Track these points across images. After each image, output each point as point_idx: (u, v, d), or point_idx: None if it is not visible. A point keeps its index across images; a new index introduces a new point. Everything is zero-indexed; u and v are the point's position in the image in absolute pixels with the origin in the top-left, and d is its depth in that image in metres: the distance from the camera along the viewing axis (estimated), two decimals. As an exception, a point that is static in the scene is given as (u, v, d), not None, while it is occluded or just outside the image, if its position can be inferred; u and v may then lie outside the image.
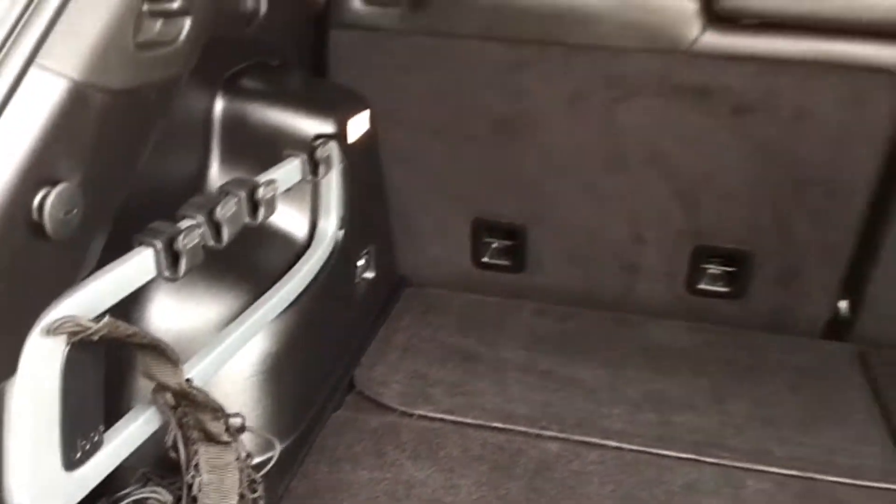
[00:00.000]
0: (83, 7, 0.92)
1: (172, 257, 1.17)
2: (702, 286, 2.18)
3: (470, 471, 1.61)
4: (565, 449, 1.68)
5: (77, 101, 0.92)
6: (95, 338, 1.00)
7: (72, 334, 0.97)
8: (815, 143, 1.93)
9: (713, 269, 2.18)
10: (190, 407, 1.19)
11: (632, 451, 1.68)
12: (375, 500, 1.54)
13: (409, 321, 2.12)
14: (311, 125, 1.73)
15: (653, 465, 1.65)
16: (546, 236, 2.20)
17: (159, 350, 1.10)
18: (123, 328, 1.03)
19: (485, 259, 2.28)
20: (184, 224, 1.22)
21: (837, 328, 2.17)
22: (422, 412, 1.78)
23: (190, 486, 1.22)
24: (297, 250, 1.73)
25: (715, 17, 1.86)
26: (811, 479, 1.64)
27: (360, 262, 2.00)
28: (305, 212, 1.76)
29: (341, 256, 1.82)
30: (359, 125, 1.88)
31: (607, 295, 2.23)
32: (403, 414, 1.78)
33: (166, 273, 1.16)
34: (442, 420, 1.76)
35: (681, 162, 2.03)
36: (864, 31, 1.82)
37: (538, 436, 1.72)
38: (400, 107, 2.07)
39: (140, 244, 1.16)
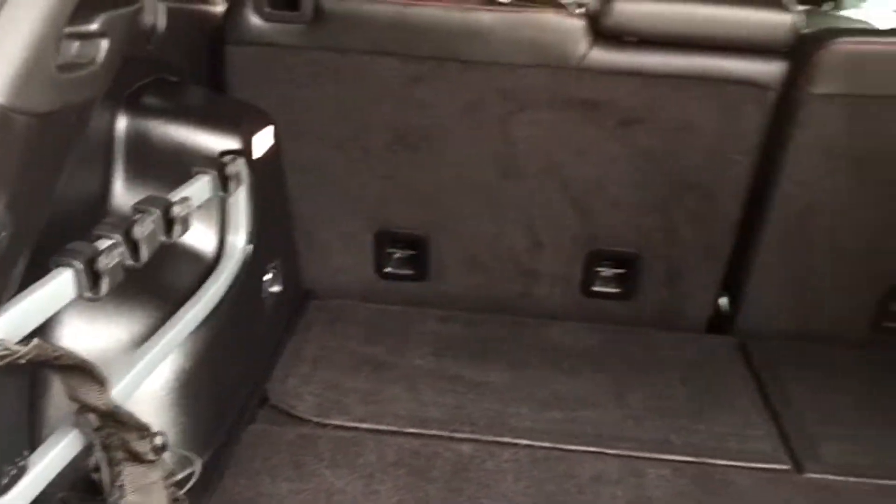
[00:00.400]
0: (4, 30, 0.92)
1: (93, 277, 1.17)
2: (595, 288, 2.30)
3: (388, 476, 1.65)
4: (478, 449, 1.75)
5: (1, 126, 0.92)
6: (23, 361, 0.99)
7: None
8: (694, 151, 2.07)
9: (605, 271, 2.30)
10: (115, 427, 1.19)
11: (542, 447, 1.77)
12: (297, 510, 1.56)
13: (318, 333, 2.14)
14: (216, 141, 1.74)
15: (562, 459, 1.73)
16: (447, 245, 2.27)
17: (86, 370, 1.10)
18: (51, 350, 1.02)
19: (388, 269, 2.33)
20: (102, 244, 1.22)
21: (719, 323, 2.33)
22: (337, 422, 1.81)
23: (115, 508, 1.21)
24: (207, 266, 1.73)
25: (600, 34, 1.98)
26: (705, 463, 1.76)
27: (268, 277, 2.01)
28: (213, 228, 1.77)
29: (250, 271, 1.83)
30: (263, 141, 1.89)
31: (507, 300, 2.32)
32: (318, 425, 1.80)
33: (87, 294, 1.16)
34: (357, 429, 1.80)
35: (573, 171, 2.13)
36: (732, 48, 1.97)
37: (451, 438, 1.78)
38: (301, 121, 2.10)
39: (59, 265, 1.15)
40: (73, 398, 1.13)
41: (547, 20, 1.97)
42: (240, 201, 1.76)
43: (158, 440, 1.27)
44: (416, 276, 2.32)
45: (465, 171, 2.17)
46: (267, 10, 2.02)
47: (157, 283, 1.59)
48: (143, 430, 1.21)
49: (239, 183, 1.70)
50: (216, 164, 1.65)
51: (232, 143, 1.75)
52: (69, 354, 1.06)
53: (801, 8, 2.15)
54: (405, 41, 2.01)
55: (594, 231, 2.22)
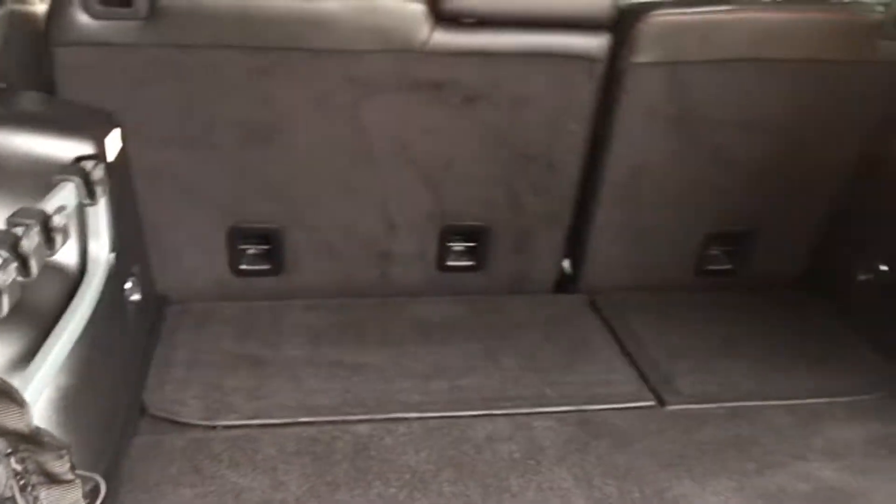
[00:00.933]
0: None
1: (-9, 296, 1.09)
2: (450, 263, 2.39)
3: (292, 466, 1.66)
4: (374, 428, 1.79)
5: None
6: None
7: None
8: (534, 124, 2.20)
9: (457, 246, 2.40)
10: (32, 450, 1.12)
11: (433, 417, 1.83)
12: (207, 514, 1.53)
13: (185, 337, 2.08)
14: (69, 147, 1.64)
15: (454, 425, 1.81)
16: (302, 236, 2.27)
17: (4, 392, 1.03)
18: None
19: (243, 266, 2.30)
20: None
21: (565, 283, 2.50)
22: (227, 422, 1.78)
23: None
24: (71, 278, 1.64)
25: (440, 17, 2.05)
26: (583, 410, 1.90)
27: (128, 285, 1.93)
28: (72, 237, 1.68)
29: (114, 280, 1.75)
30: (114, 143, 1.81)
31: (366, 283, 2.36)
32: (208, 428, 1.77)
33: (-12, 313, 1.08)
34: (249, 426, 1.78)
35: (423, 151, 2.20)
36: (562, 25, 2.11)
37: (346, 422, 1.81)
38: (142, 121, 2.02)
39: None
40: (-8, 425, 1.06)
41: (389, 6, 2.02)
42: (100, 208, 1.68)
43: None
44: (273, 271, 2.31)
45: (317, 160, 2.18)
46: (97, 7, 1.92)
47: (24, 301, 1.50)
48: (61, 450, 1.15)
49: (104, 189, 1.62)
50: (78, 170, 1.57)
51: (86, 148, 1.66)
52: (-14, 377, 0.99)
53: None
54: (249, 33, 1.99)
55: (445, 207, 2.31)
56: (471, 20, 2.09)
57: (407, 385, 1.95)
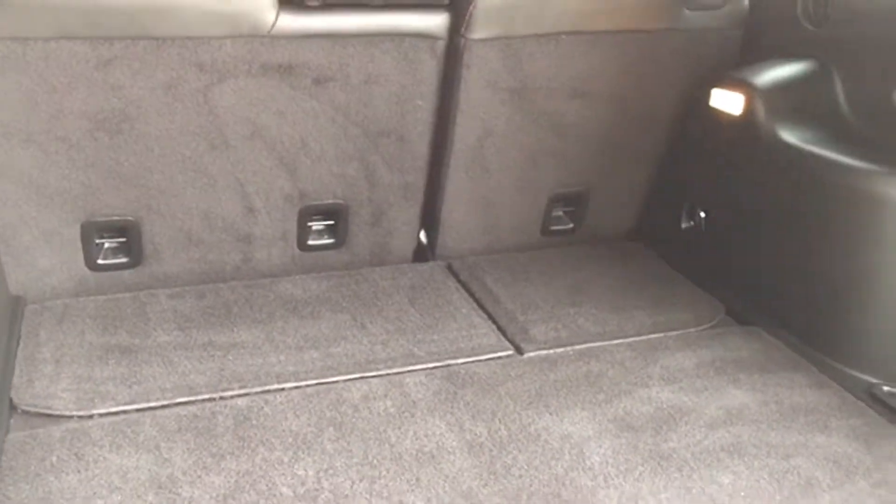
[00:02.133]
0: None
1: None
2: (311, 242, 2.47)
3: (175, 444, 1.70)
4: (253, 401, 1.85)
5: None
6: None
7: None
8: (383, 101, 2.31)
9: (317, 225, 2.48)
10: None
11: (309, 385, 1.92)
12: (94, 495, 1.55)
13: (48, 335, 2.06)
14: None
15: (330, 390, 1.90)
16: (161, 226, 2.28)
17: None
18: None
19: (100, 261, 2.28)
20: None
21: (423, 252, 2.63)
22: (103, 410, 1.79)
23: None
24: None
25: (285, 1, 2.12)
26: (448, 364, 2.04)
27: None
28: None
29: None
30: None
31: (229, 269, 2.40)
32: (84, 417, 1.78)
33: None
34: (126, 411, 1.80)
35: (277, 133, 2.26)
36: (404, 6, 2.22)
37: (223, 398, 1.86)
38: None
39: None
40: None
41: (235, -7, 2.06)
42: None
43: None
44: (132, 263, 2.31)
45: (171, 148, 2.20)
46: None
47: None
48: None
49: None
50: None
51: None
52: None
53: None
54: (92, 24, 1.98)
55: (303, 187, 2.38)
56: (315, 3, 2.16)
57: (281, 358, 2.02)
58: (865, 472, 1.73)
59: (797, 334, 2.18)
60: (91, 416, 1.78)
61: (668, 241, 2.66)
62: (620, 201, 2.72)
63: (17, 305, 2.17)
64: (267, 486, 1.61)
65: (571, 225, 2.72)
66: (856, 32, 2.21)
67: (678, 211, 2.61)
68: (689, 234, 2.58)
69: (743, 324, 2.30)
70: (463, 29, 2.24)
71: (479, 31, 2.24)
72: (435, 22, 2.21)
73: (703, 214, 2.53)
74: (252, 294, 2.33)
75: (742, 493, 1.65)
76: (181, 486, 1.59)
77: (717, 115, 2.39)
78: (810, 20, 2.32)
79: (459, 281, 2.47)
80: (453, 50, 2.27)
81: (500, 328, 2.22)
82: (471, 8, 2.21)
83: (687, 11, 2.38)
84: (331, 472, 1.65)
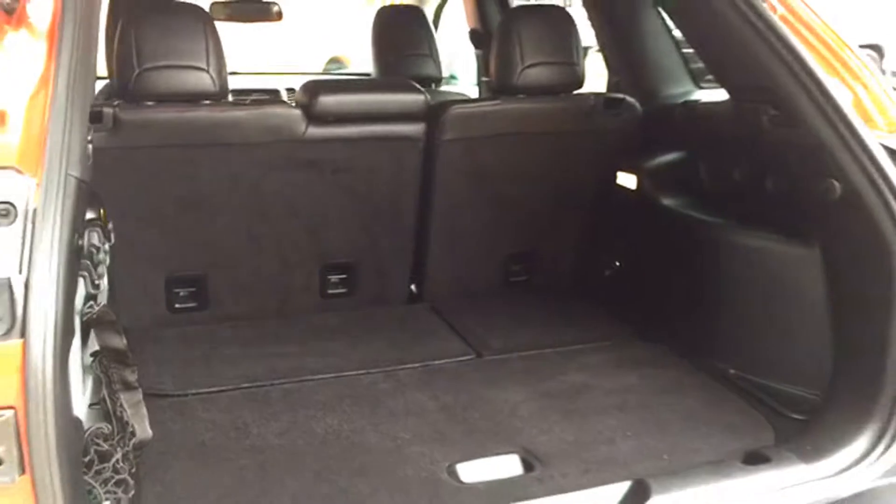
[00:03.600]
0: None
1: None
2: (329, 291, 3.37)
3: (244, 408, 2.56)
4: (293, 385, 2.72)
5: None
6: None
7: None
8: (382, 186, 3.24)
9: (334, 278, 3.38)
10: (116, 366, 2.01)
11: (330, 377, 2.78)
12: (195, 435, 2.40)
13: (150, 351, 2.92)
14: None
15: (346, 379, 2.77)
16: (222, 278, 3.18)
17: (110, 321, 1.93)
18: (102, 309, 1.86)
19: (177, 305, 3.17)
20: None
21: (413, 298, 3.52)
22: (193, 391, 2.65)
23: (121, 419, 2.02)
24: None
25: (312, 118, 3.07)
26: (427, 364, 2.90)
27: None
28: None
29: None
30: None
31: (272, 309, 3.28)
32: (181, 395, 2.63)
33: None
34: (209, 392, 2.66)
35: (306, 209, 3.18)
36: (393, 119, 3.17)
37: (272, 384, 2.73)
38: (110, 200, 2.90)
39: None
40: (103, 344, 1.94)
41: (278, 112, 3.02)
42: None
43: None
44: (200, 307, 3.20)
45: (231, 221, 3.11)
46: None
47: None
48: (133, 365, 2.04)
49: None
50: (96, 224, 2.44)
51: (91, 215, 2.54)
52: (106, 311, 1.89)
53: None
54: (182, 135, 2.92)
55: (324, 250, 3.29)
56: (331, 119, 3.13)
57: (310, 360, 2.89)
58: (701, 416, 2.56)
59: (680, 341, 3.03)
60: (186, 395, 2.64)
61: (596, 284, 3.55)
62: (560, 257, 3.62)
63: None
64: (306, 429, 2.45)
65: (526, 277, 3.62)
66: (710, 130, 3.15)
67: (601, 261, 3.51)
68: (610, 278, 3.48)
69: (645, 339, 3.16)
70: (436, 134, 3.19)
71: (447, 134, 3.18)
72: (416, 129, 3.15)
73: (617, 263, 3.43)
74: (289, 325, 3.21)
75: (622, 429, 2.49)
76: (251, 428, 2.44)
77: (621, 190, 3.33)
78: (683, 121, 3.28)
79: (441, 316, 3.35)
80: (430, 148, 3.20)
81: (466, 342, 3.09)
82: (441, 119, 3.17)
83: (595, 117, 3.33)
84: (348, 421, 2.50)
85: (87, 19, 1.92)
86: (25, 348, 1.55)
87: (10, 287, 1.56)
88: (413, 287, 3.54)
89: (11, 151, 1.71)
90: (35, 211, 1.64)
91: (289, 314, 3.30)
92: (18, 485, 1.57)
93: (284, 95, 4.99)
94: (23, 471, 1.56)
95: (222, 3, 5.20)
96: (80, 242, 1.80)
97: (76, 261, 1.77)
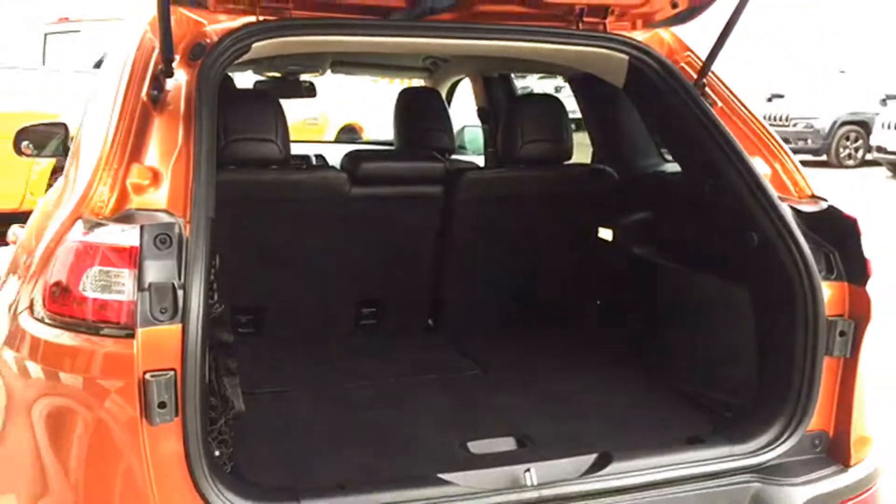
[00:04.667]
0: None
1: None
2: (362, 322, 4.13)
3: (303, 389, 3.30)
4: (337, 378, 3.47)
5: None
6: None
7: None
8: (407, 237, 4.01)
9: (365, 311, 4.14)
10: (221, 355, 2.75)
11: (366, 379, 3.53)
12: (263, 416, 3.13)
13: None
14: None
15: (376, 381, 3.51)
16: (276, 309, 3.94)
17: (223, 319, 2.68)
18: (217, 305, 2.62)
19: (240, 330, 3.92)
20: None
21: (431, 329, 4.27)
22: (258, 390, 3.37)
23: (223, 396, 2.76)
24: None
25: (356, 180, 3.85)
26: (442, 376, 3.64)
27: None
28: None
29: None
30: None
31: (316, 335, 4.02)
32: (250, 393, 3.36)
33: None
34: (272, 391, 3.40)
35: (345, 254, 3.93)
36: (419, 181, 3.95)
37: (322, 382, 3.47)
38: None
39: None
40: (216, 338, 2.69)
41: (329, 175, 3.82)
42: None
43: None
44: (256, 332, 3.96)
45: (286, 264, 3.87)
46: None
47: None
48: (234, 356, 2.79)
49: None
50: None
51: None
52: (224, 312, 2.65)
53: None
54: (251, 191, 3.67)
55: (359, 288, 4.05)
56: (370, 181, 3.92)
57: (347, 364, 3.65)
58: (660, 415, 3.29)
59: (647, 361, 3.74)
60: (253, 393, 3.37)
61: (581, 317, 4.29)
62: (553, 296, 4.37)
63: None
64: (350, 419, 3.21)
65: (525, 313, 4.37)
66: (670, 195, 3.93)
67: (586, 299, 4.27)
68: (592, 312, 4.23)
69: (620, 360, 3.88)
70: (453, 194, 3.97)
71: (462, 195, 3.96)
72: (436, 190, 3.94)
73: (598, 302, 4.19)
74: (329, 346, 3.96)
75: (597, 425, 3.21)
76: (308, 417, 3.19)
77: (601, 242, 4.12)
78: (651, 188, 4.07)
79: (453, 343, 4.10)
80: (447, 205, 3.97)
81: (474, 361, 3.84)
82: (458, 182, 3.97)
83: (584, 183, 4.12)
84: (381, 416, 3.25)
85: (210, 106, 2.72)
86: (183, 330, 2.30)
87: (174, 289, 2.32)
88: (430, 321, 4.30)
89: (163, 200, 2.50)
90: (187, 240, 2.40)
91: (328, 339, 4.04)
92: (175, 423, 2.31)
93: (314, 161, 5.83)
94: (177, 413, 2.30)
95: (265, 82, 6.11)
96: (214, 262, 2.57)
97: (210, 273, 2.53)
